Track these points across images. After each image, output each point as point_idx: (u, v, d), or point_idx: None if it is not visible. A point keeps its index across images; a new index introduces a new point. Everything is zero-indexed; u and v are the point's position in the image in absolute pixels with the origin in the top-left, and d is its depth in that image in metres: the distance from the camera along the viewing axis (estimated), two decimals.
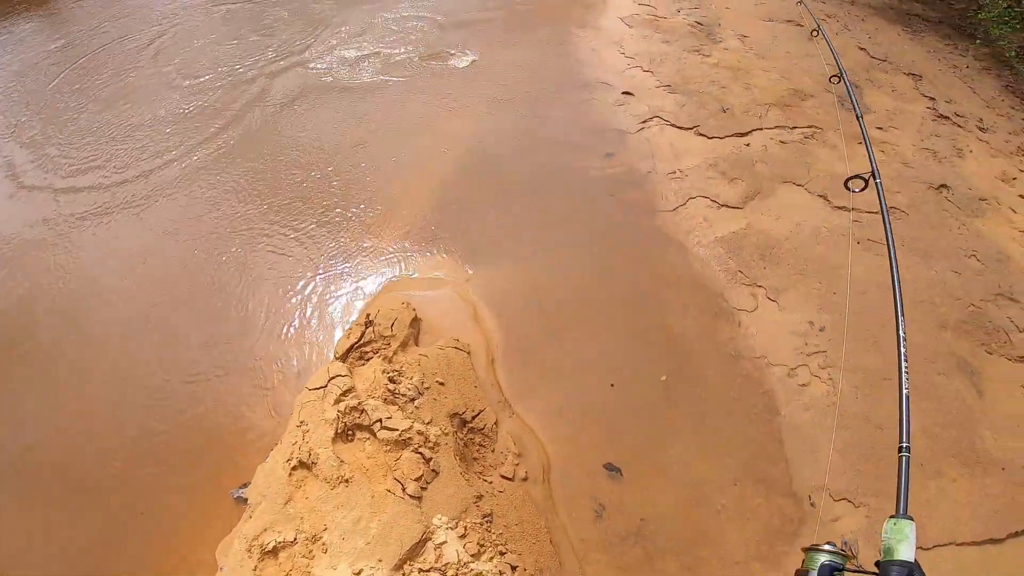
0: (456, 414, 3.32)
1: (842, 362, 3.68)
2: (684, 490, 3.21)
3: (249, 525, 2.93)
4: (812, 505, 3.33)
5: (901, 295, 2.12)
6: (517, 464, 3.24)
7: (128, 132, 5.51)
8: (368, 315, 3.69)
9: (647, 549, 3.03)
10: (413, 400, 3.28)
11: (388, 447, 3.08)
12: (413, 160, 4.94)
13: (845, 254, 4.20)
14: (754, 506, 3.18)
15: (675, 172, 4.75)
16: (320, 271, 4.15)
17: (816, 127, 5.28)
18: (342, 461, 3.03)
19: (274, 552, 2.82)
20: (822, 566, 1.14)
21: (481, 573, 2.73)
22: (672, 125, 5.23)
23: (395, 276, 4.11)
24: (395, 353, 3.52)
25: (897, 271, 2.29)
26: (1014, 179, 5.55)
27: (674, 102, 5.43)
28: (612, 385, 3.58)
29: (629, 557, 3.01)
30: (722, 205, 4.51)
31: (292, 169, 4.92)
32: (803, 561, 1.26)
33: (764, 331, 3.79)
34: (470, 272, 4.13)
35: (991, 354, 4.14)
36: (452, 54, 6.18)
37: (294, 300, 4.00)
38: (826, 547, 1.19)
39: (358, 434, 3.17)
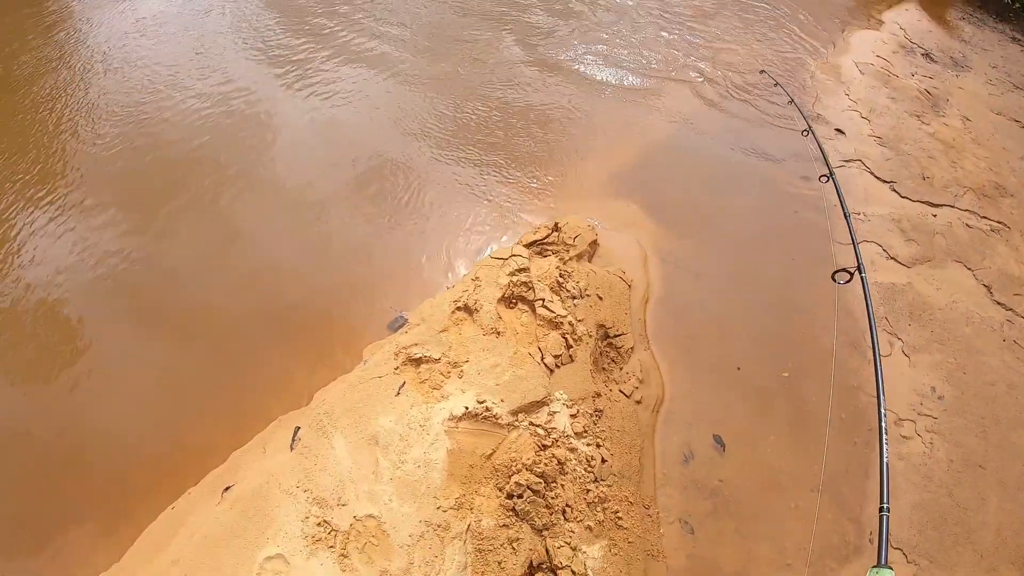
0: (603, 326, 3.74)
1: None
2: (767, 475, 3.54)
3: (403, 337, 3.50)
4: (871, 541, 3.70)
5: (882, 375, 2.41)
6: (637, 388, 3.63)
7: None
8: (557, 223, 4.19)
9: (715, 505, 3.40)
10: (574, 298, 3.72)
11: (541, 323, 3.52)
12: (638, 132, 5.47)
13: (987, 342, 4.44)
14: (822, 516, 3.44)
15: (860, 214, 5.04)
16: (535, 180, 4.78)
17: (1005, 224, 5.40)
18: (500, 318, 3.51)
19: (417, 362, 3.34)
20: None
21: (577, 448, 3.12)
22: (871, 173, 5.46)
23: (591, 204, 4.65)
24: (571, 259, 3.99)
25: (879, 357, 2.57)
26: None
27: (880, 154, 5.64)
28: (739, 368, 3.94)
29: (697, 505, 3.38)
30: (891, 257, 4.78)
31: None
32: None
33: (889, 377, 4.11)
34: (653, 227, 4.60)
35: None
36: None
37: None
38: None
39: (520, 304, 3.65)
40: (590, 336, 3.60)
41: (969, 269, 4.83)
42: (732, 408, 3.75)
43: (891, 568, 1.35)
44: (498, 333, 3.46)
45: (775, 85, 6.00)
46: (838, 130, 5.80)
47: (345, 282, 4.09)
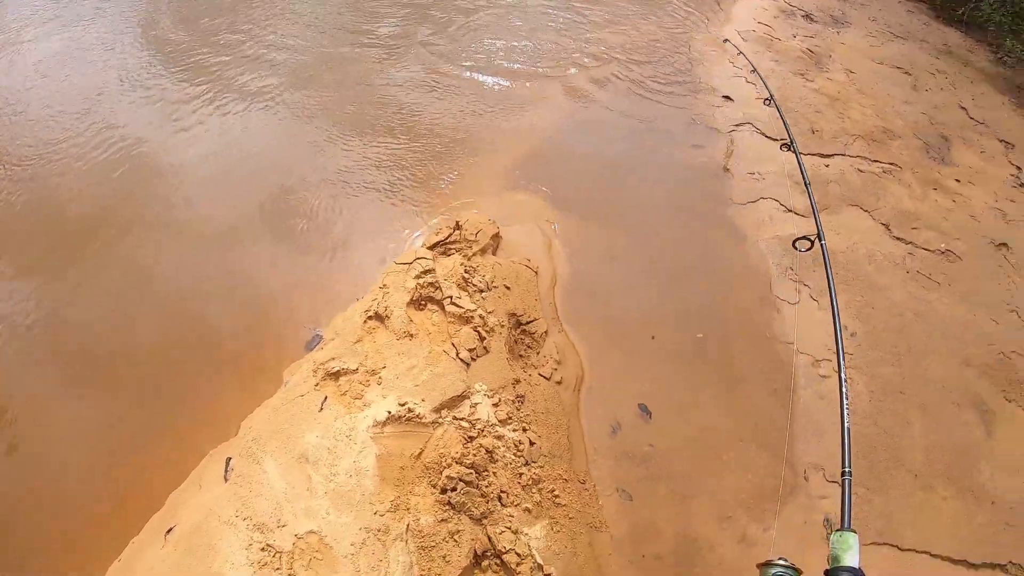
0: (514, 314, 3.78)
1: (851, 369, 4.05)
2: (696, 433, 3.61)
3: (320, 354, 3.49)
4: (805, 479, 3.73)
5: (843, 343, 2.37)
6: (555, 369, 3.68)
7: None
8: (458, 221, 4.22)
9: (649, 470, 3.45)
10: (481, 292, 3.76)
11: (452, 320, 3.55)
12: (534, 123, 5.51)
13: (891, 277, 4.56)
14: (755, 465, 3.54)
15: (754, 173, 5.16)
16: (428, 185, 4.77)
17: (895, 165, 5.59)
18: (411, 320, 3.53)
19: (336, 375, 3.33)
20: None
21: (503, 435, 3.16)
22: (761, 133, 5.62)
23: (491, 200, 4.68)
24: (474, 255, 4.04)
25: (840, 326, 2.60)
26: None
27: (768, 114, 5.81)
28: (653, 337, 4.00)
29: (631, 472, 3.43)
30: (789, 210, 4.90)
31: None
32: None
33: (800, 323, 4.20)
34: (555, 213, 4.64)
35: (1009, 401, 4.41)
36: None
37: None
38: (779, 562, 1.29)
39: (429, 305, 3.67)
40: (502, 326, 3.64)
41: (865, 211, 4.98)
42: (653, 376, 3.82)
43: (855, 532, 1.31)
44: (411, 336, 3.48)
45: (681, 63, 6.11)
46: (725, 96, 5.94)
47: (259, 310, 4.04)
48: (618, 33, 6.96)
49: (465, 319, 3.54)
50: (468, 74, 5.98)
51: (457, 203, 4.67)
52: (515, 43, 6.46)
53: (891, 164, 5.55)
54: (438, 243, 4.11)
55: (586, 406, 3.64)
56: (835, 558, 1.24)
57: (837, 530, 1.33)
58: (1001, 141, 6.24)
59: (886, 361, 4.14)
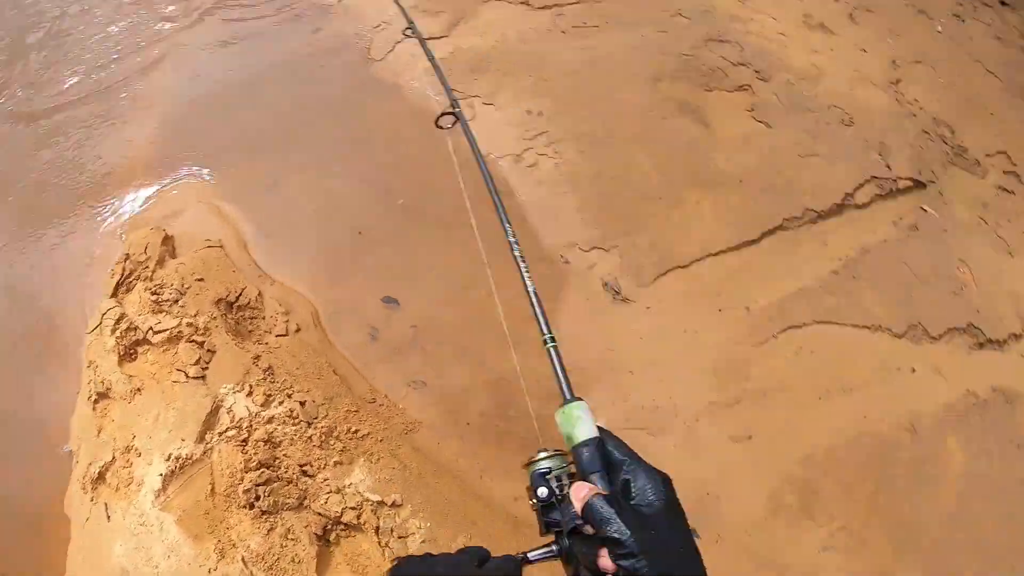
0: (221, 299, 3.50)
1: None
2: (446, 293, 3.47)
3: (77, 469, 3.19)
4: (566, 262, 3.48)
5: (503, 206, 1.92)
6: (287, 321, 3.45)
7: None
8: (125, 253, 3.78)
9: (425, 349, 3.32)
10: (177, 301, 3.45)
11: (164, 347, 3.28)
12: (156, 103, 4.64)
13: (548, 44, 4.30)
14: (509, 280, 3.29)
15: (380, 24, 4.66)
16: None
17: None
18: (131, 376, 3.24)
19: (101, 477, 3.04)
20: (533, 477, 1.07)
21: (273, 417, 2.99)
22: None
23: (138, 210, 4.06)
24: (154, 272, 3.66)
25: (497, 196, 2.24)
26: None
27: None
28: (360, 233, 3.73)
29: (410, 361, 3.29)
30: (428, 38, 4.48)
31: None
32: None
33: (486, 134, 3.88)
34: (208, 179, 4.11)
35: (710, 91, 4.42)
36: None
37: None
38: (540, 456, 1.11)
39: (139, 350, 3.36)
40: (215, 318, 3.40)
41: (500, 0, 4.64)
42: (377, 265, 3.62)
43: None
44: (139, 391, 3.22)
45: None
46: None
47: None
48: None
49: (175, 338, 3.30)
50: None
51: (124, 233, 4.00)
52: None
53: None
54: (118, 285, 3.69)
55: (334, 333, 3.43)
56: (568, 437, 1.07)
57: (559, 407, 1.14)
58: None
59: (583, 119, 3.96)
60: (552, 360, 1.29)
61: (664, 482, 0.93)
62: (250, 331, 3.46)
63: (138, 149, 4.31)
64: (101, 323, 3.41)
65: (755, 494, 3.05)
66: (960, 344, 3.75)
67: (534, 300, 1.49)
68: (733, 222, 3.77)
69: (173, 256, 3.81)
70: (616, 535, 0.82)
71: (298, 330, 3.41)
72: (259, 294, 3.56)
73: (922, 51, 5.43)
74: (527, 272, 1.59)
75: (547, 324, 1.39)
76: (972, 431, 3.40)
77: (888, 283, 3.82)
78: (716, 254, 3.63)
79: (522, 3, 4.70)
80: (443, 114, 2.78)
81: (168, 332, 3.26)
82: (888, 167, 4.33)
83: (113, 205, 4.07)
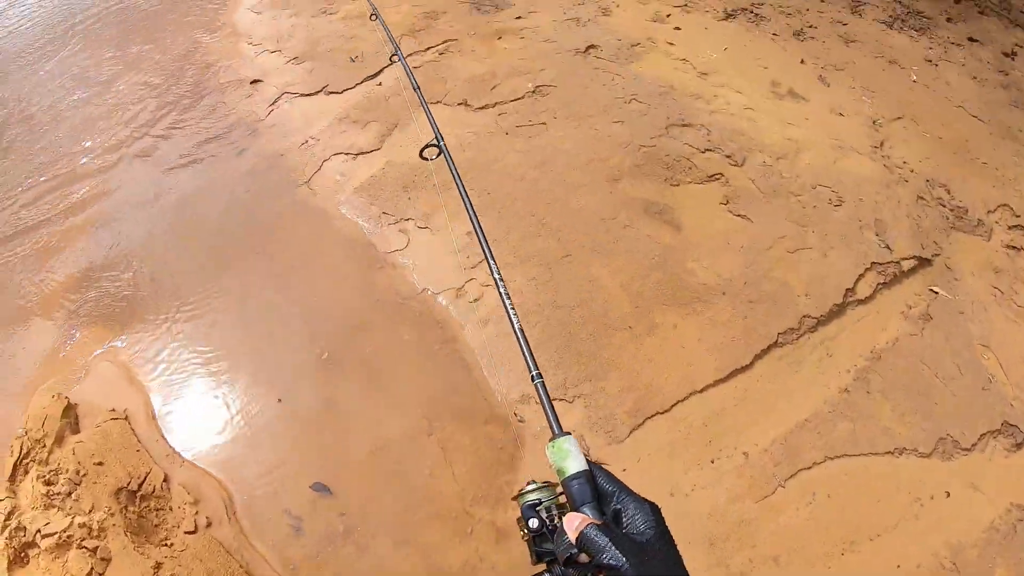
0: (121, 488, 3.07)
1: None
2: (381, 464, 2.93)
3: None
4: (521, 420, 2.94)
5: (486, 239, 1.75)
6: (196, 513, 2.97)
7: None
8: (24, 429, 3.35)
9: (357, 542, 2.76)
10: (71, 494, 3.03)
11: (54, 554, 2.85)
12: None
13: (495, 147, 3.84)
14: (460, 448, 2.94)
15: (306, 141, 4.23)
16: None
17: (452, 39, 4.93)
18: None
19: None
20: (524, 508, 1.09)
21: None
22: (301, 95, 4.69)
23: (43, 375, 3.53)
24: (50, 452, 3.26)
25: (477, 220, 1.84)
26: (668, 15, 5.50)
27: (303, 71, 4.93)
28: (280, 400, 3.19)
29: (341, 555, 2.73)
30: (358, 154, 4.07)
31: None
32: None
33: (422, 263, 3.36)
34: (122, 339, 3.57)
35: (678, 185, 3.95)
36: None
37: None
38: (528, 488, 1.12)
39: (30, 552, 2.94)
40: (113, 515, 2.93)
41: (437, 102, 4.21)
42: (302, 444, 3.04)
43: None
44: None
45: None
46: (255, 81, 4.91)
47: None
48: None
49: (66, 544, 2.85)
50: None
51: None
52: None
53: (445, 42, 4.87)
54: (15, 466, 3.26)
55: (250, 526, 2.85)
56: (560, 471, 1.07)
57: (550, 441, 1.13)
58: None
59: (532, 236, 3.46)
60: (539, 395, 1.30)
61: (653, 510, 0.94)
62: (155, 526, 2.91)
63: (48, 295, 3.80)
64: None
65: None
66: (996, 449, 3.16)
67: (519, 336, 1.45)
68: (719, 346, 3.22)
69: (75, 430, 3.31)
70: (612, 562, 0.85)
71: (208, 524, 2.86)
72: (165, 479, 3.04)
73: (901, 105, 5.01)
74: (511, 307, 1.53)
75: (533, 361, 1.38)
76: (1022, 552, 2.81)
77: (907, 391, 3.25)
78: (702, 390, 3.06)
79: (461, 104, 4.27)
80: (427, 145, 2.62)
81: (57, 536, 2.80)
82: (888, 248, 3.81)
83: (15, 361, 3.56)
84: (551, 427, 1.19)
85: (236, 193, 4.10)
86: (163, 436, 3.15)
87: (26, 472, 3.15)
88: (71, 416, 3.33)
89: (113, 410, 3.28)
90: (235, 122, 4.66)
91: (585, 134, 4.03)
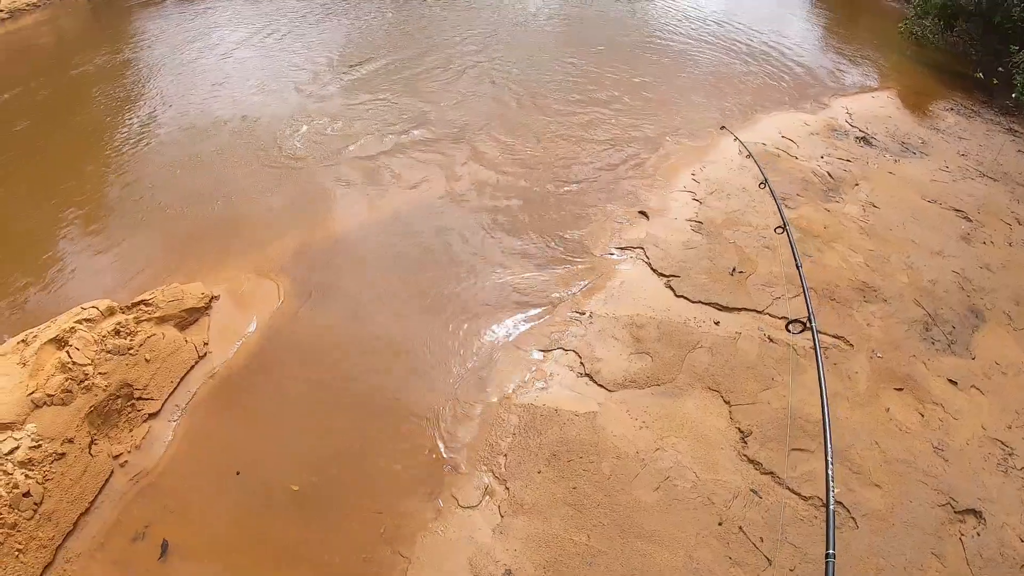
0: (129, 385, 3.47)
1: None
2: None
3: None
4: None
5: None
6: (129, 452, 3.28)
7: None
8: (163, 288, 3.98)
9: None
10: (116, 353, 3.46)
11: (57, 368, 3.26)
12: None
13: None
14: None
15: (586, 313, 3.63)
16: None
17: (846, 342, 3.68)
18: (39, 357, 3.31)
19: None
20: None
21: (11, 472, 2.84)
22: (647, 263, 4.10)
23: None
24: (149, 320, 3.75)
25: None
26: None
27: (681, 240, 4.27)
28: (238, 472, 3.21)
29: None
30: (586, 374, 3.40)
31: None
32: None
33: None
34: (287, 307, 4.04)
35: None
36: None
37: None
38: None
39: (64, 347, 3.40)
40: (105, 389, 3.36)
41: (727, 402, 3.21)
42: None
43: None
44: (24, 364, 3.30)
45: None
46: (641, 212, 4.47)
47: None
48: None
49: (65, 368, 3.28)
50: None
51: None
52: None
53: (837, 338, 3.64)
54: (138, 303, 3.90)
55: (127, 506, 3.04)
56: None
57: None
58: None
59: None
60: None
61: None
62: (115, 424, 3.31)
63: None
64: (81, 315, 3.50)
65: None
66: None
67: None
68: None
69: (183, 326, 3.85)
70: None
71: (123, 465, 3.17)
72: (152, 414, 3.40)
73: None
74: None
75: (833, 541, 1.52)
76: None
77: None
78: None
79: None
80: (793, 320, 3.21)
81: (70, 362, 3.23)
82: None
83: None
84: None
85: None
86: (196, 391, 3.48)
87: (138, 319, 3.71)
88: (192, 315, 3.89)
89: (206, 343, 3.79)
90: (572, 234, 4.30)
91: None
